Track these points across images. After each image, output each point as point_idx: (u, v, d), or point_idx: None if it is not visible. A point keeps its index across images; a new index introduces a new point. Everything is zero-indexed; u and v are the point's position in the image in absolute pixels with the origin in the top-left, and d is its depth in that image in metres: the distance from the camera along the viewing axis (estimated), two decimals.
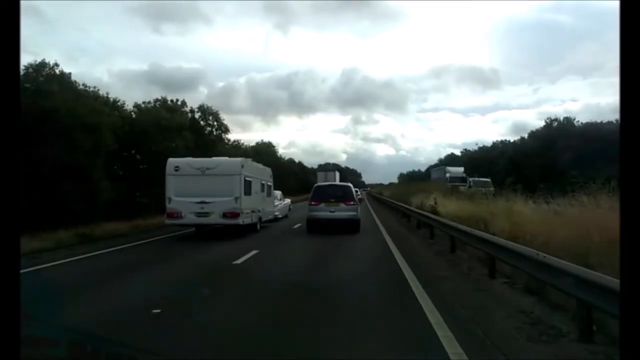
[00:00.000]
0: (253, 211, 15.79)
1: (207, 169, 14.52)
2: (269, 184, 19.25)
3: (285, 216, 24.34)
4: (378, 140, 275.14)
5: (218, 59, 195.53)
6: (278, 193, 23.16)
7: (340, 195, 16.47)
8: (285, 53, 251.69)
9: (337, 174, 58.14)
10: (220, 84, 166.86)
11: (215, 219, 14.17)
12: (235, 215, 14.13)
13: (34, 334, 1.73)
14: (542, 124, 54.07)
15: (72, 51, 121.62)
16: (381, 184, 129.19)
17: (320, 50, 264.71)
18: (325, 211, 15.99)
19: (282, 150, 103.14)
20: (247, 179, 15.08)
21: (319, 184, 20.14)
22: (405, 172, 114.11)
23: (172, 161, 15.12)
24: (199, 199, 13.97)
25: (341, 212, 16.02)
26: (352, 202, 16.38)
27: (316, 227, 15.82)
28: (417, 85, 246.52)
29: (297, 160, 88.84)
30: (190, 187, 14.19)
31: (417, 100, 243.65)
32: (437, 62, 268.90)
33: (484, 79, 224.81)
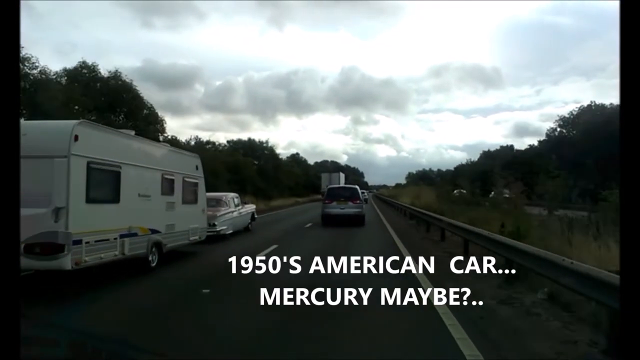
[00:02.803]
0: (129, 234, 8.11)
1: None
2: (193, 180, 11.43)
3: (247, 228, 17.44)
4: (379, 141, 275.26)
5: (214, 57, 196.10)
6: (231, 196, 16.43)
7: (349, 195, 20.57)
8: (283, 52, 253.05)
9: (342, 175, 58.78)
10: (217, 83, 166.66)
11: None
12: (53, 248, 6.53)
13: (34, 334, 1.73)
14: (544, 125, 50.83)
15: (63, 47, 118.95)
16: (385, 186, 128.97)
17: (318, 49, 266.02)
18: (336, 208, 19.88)
19: (282, 151, 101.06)
20: (98, 167, 7.41)
21: (332, 186, 25.84)
22: (414, 172, 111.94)
23: None
24: None
25: (349, 209, 19.89)
26: (358, 201, 20.47)
27: (330, 220, 19.31)
28: (418, 85, 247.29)
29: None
30: None
31: (418, 101, 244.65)
32: (437, 61, 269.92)
33: (485, 79, 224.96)
